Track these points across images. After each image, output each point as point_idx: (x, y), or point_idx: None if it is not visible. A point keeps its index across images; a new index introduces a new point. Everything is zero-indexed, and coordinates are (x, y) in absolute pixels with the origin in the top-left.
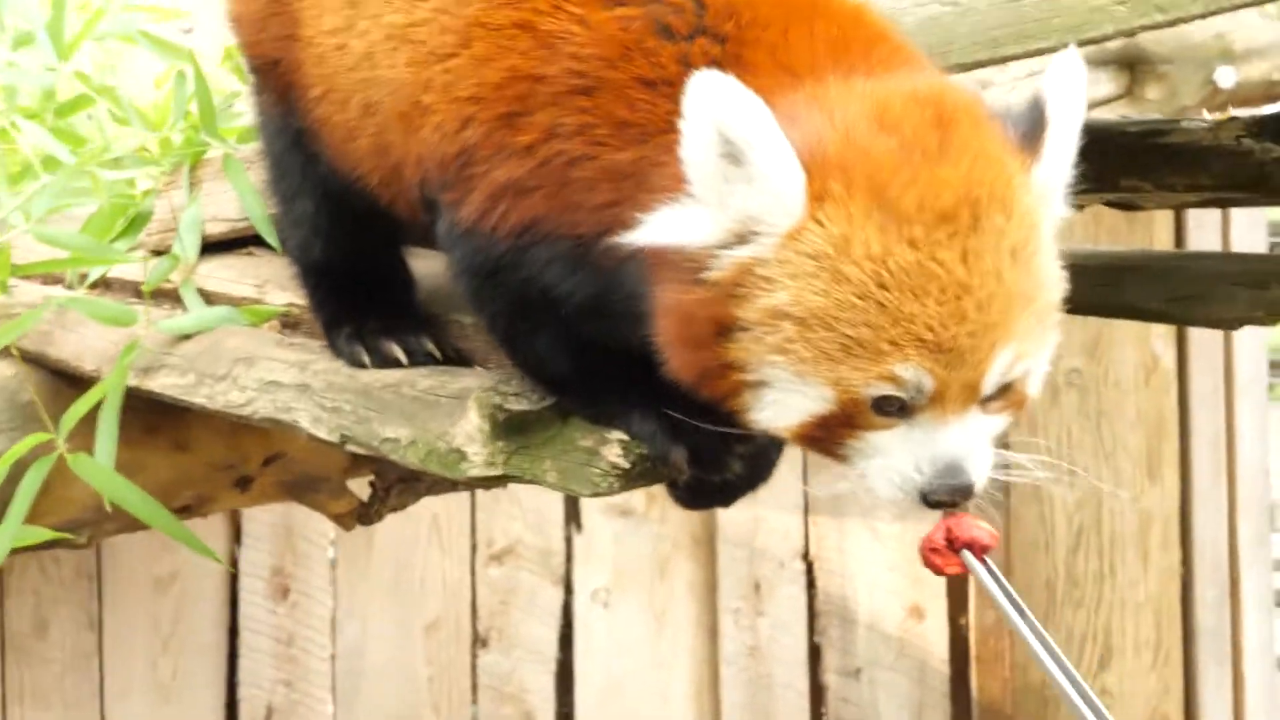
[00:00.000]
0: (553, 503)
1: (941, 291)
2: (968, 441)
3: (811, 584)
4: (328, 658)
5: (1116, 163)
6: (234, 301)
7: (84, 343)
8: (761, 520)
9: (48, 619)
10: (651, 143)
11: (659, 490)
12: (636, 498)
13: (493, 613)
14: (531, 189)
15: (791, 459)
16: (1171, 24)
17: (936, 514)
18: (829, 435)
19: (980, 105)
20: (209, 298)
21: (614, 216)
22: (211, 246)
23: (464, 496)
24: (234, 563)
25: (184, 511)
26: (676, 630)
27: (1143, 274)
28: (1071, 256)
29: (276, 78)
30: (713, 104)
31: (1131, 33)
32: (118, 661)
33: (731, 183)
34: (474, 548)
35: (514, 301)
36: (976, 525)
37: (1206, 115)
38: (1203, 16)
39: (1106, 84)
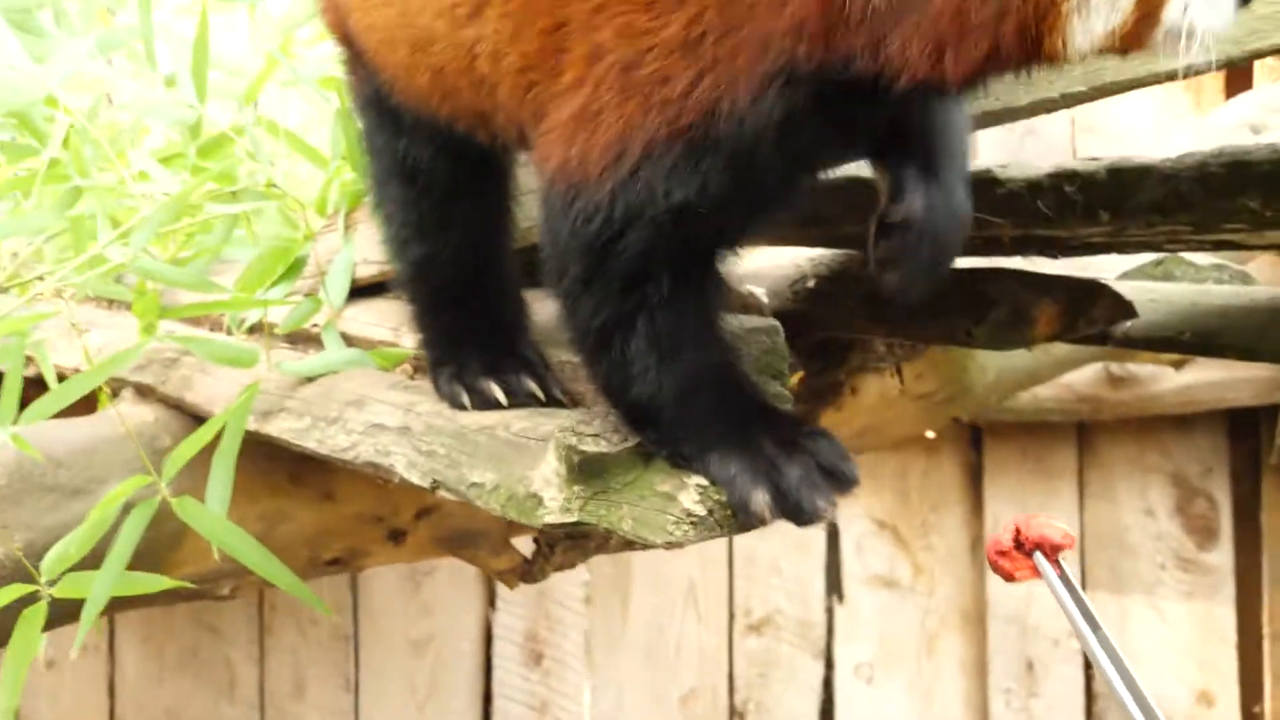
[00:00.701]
0: (813, 571)
1: None
2: None
3: (1088, 664)
4: None
5: None
6: (370, 344)
7: (216, 387)
8: (1035, 595)
9: (305, 680)
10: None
11: (925, 561)
12: (902, 569)
13: (750, 685)
14: (597, 111)
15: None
16: None
17: None
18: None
19: None
20: (349, 340)
21: (709, 91)
22: (361, 290)
23: (722, 563)
24: (488, 627)
25: (335, 564)
26: (944, 710)
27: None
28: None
29: (349, 45)
30: None
31: None
32: None
33: None
34: (731, 617)
35: (626, 277)
36: (1049, 524)
37: None
38: None
39: None
